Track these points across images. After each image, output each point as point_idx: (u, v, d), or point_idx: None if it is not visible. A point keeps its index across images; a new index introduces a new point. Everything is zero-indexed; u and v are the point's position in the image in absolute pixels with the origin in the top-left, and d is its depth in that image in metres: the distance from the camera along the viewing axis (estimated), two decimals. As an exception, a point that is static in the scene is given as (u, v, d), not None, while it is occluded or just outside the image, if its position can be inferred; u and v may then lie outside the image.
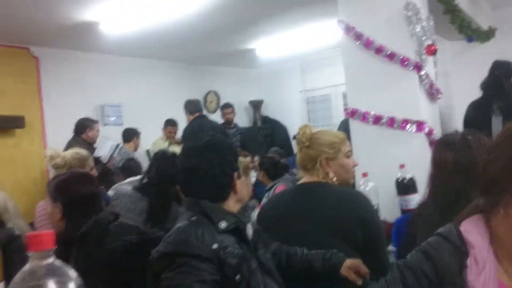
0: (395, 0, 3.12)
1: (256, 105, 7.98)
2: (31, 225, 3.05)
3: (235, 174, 1.59)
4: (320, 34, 6.00)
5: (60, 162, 2.97)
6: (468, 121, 3.74)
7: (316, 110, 7.93)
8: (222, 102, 7.43)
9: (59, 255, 1.85)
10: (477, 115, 3.73)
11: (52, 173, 3.11)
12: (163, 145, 5.98)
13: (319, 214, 1.84)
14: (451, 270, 1.11)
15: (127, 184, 3.46)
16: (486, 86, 3.84)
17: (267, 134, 7.83)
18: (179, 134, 6.15)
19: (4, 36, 4.92)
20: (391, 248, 2.26)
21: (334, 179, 1.97)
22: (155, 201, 2.76)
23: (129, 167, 3.86)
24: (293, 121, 7.79)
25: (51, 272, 0.68)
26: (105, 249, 1.81)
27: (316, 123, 7.88)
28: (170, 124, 6.12)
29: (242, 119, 7.90)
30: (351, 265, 1.65)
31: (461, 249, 1.12)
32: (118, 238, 1.85)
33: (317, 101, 7.89)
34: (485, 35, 4.93)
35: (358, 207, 1.85)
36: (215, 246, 1.42)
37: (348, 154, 2.06)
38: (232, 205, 1.60)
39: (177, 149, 5.96)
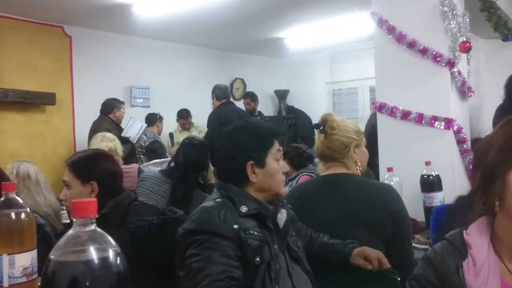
0: (431, -6, 3.07)
1: (281, 94, 7.98)
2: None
3: (249, 163, 1.55)
4: (351, 26, 5.95)
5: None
6: (495, 124, 3.66)
7: (342, 103, 7.88)
8: (248, 90, 7.44)
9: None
10: (502, 118, 3.64)
11: None
12: (176, 136, 6.15)
13: (349, 205, 1.85)
14: (449, 270, 1.13)
15: (153, 165, 3.53)
16: (508, 88, 3.76)
17: (291, 124, 7.83)
18: (196, 120, 6.24)
19: (39, 14, 5.02)
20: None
21: (359, 168, 1.99)
22: (177, 185, 2.80)
23: (154, 149, 3.92)
24: (318, 113, 7.61)
25: (93, 238, 0.71)
26: (127, 229, 1.81)
27: (341, 116, 7.83)
28: (181, 116, 6.19)
29: (267, 108, 7.91)
30: (358, 252, 1.65)
31: (460, 250, 1.13)
32: (139, 218, 1.84)
33: (343, 94, 7.84)
34: (521, 35, 4.81)
35: (390, 200, 1.86)
36: (235, 226, 1.45)
37: (365, 143, 2.08)
38: (253, 193, 1.58)
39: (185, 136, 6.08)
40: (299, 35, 6.46)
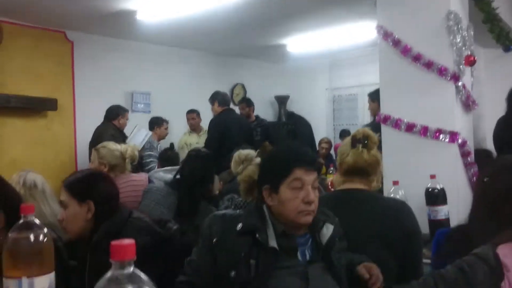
0: (437, 9, 3.08)
1: (281, 100, 8.00)
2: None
3: (265, 187, 1.63)
4: (352, 33, 5.98)
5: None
6: (496, 138, 3.68)
7: (342, 109, 7.91)
8: (248, 95, 7.44)
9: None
10: (504, 132, 3.66)
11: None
12: (184, 138, 6.11)
13: (363, 220, 1.88)
14: None
15: (163, 172, 3.52)
16: (510, 100, 3.77)
17: (291, 130, 7.82)
18: (202, 122, 6.22)
19: (42, 19, 5.02)
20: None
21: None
22: (183, 197, 2.80)
23: (166, 157, 3.93)
24: (318, 119, 7.79)
25: (132, 281, 0.72)
26: None
27: (340, 122, 7.87)
28: (188, 112, 6.21)
29: (268, 113, 7.93)
30: (366, 265, 1.65)
31: (496, 271, 1.14)
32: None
33: (343, 100, 7.87)
34: (523, 45, 4.84)
35: (404, 218, 1.90)
36: (214, 240, 1.62)
37: None
38: (276, 214, 1.62)
39: (194, 139, 6.02)
40: (300, 42, 6.48)
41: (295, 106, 8.05)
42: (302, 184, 1.59)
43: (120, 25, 5.22)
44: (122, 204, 2.02)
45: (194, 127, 6.16)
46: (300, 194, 1.58)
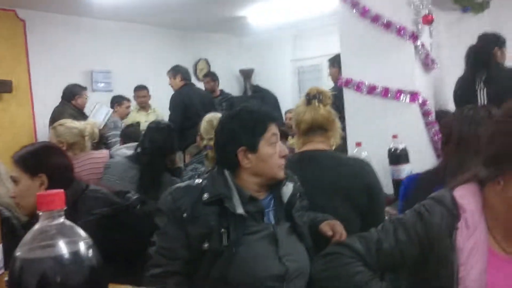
0: (393, -32, 3.07)
1: (246, 74, 7.93)
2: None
3: (240, 149, 1.55)
4: (314, 1, 5.92)
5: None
6: (456, 95, 3.74)
7: (306, 80, 7.88)
8: (212, 70, 7.32)
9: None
10: (463, 89, 3.72)
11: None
12: (132, 116, 5.93)
13: (325, 178, 1.87)
14: (442, 232, 1.15)
15: (125, 148, 3.44)
16: (468, 59, 3.83)
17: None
18: (156, 103, 6.05)
19: (-11, -3, 4.79)
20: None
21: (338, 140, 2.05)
22: (145, 170, 2.75)
23: (128, 133, 3.84)
24: (284, 91, 7.76)
25: (62, 232, 0.67)
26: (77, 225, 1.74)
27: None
28: (138, 88, 5.99)
29: (233, 88, 7.85)
30: (329, 222, 1.63)
31: (453, 212, 1.15)
32: (87, 212, 1.76)
33: (308, 71, 7.85)
34: (480, 6, 4.89)
35: (365, 174, 1.91)
36: (185, 215, 1.50)
37: None
38: (249, 177, 1.57)
39: (143, 117, 5.86)
40: (261, 13, 6.38)
41: (260, 79, 8.00)
42: (276, 139, 1.59)
43: (73, 1, 5.03)
44: (77, 177, 1.95)
45: (144, 105, 5.98)
46: (276, 149, 1.58)
